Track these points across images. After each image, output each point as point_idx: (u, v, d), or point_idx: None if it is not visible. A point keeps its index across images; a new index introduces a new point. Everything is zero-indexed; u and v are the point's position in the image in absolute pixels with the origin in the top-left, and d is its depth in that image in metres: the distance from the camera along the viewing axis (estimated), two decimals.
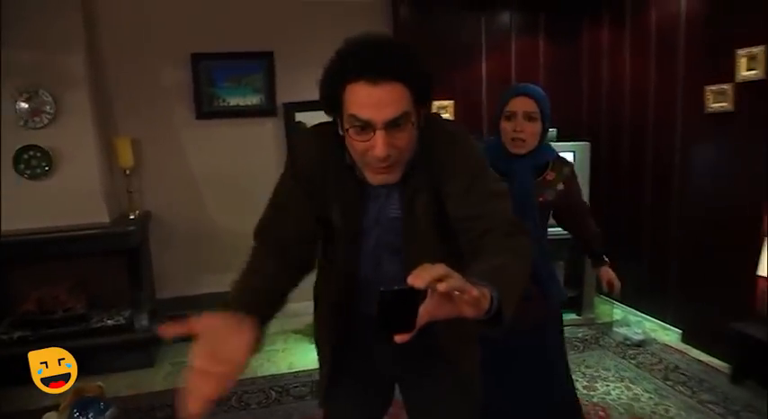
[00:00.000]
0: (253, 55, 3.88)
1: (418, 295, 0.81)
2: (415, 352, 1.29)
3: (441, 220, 1.22)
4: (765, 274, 2.77)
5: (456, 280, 0.80)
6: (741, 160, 3.05)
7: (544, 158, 1.95)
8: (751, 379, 2.91)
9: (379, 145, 1.05)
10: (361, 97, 1.04)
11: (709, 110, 3.17)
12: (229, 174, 4.00)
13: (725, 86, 3.07)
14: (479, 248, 1.13)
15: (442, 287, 0.78)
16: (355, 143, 1.09)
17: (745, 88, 2.96)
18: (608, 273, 2.15)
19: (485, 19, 4.18)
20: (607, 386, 3.00)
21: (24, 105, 3.28)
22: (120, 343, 3.41)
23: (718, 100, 3.12)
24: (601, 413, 2.75)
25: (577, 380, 3.05)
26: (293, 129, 4.04)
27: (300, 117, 4.04)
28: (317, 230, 1.27)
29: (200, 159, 3.94)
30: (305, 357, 3.52)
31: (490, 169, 1.25)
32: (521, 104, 1.83)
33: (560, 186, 1.95)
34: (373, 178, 1.15)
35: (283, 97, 3.99)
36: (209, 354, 0.84)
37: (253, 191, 3.94)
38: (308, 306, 3.84)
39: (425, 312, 0.83)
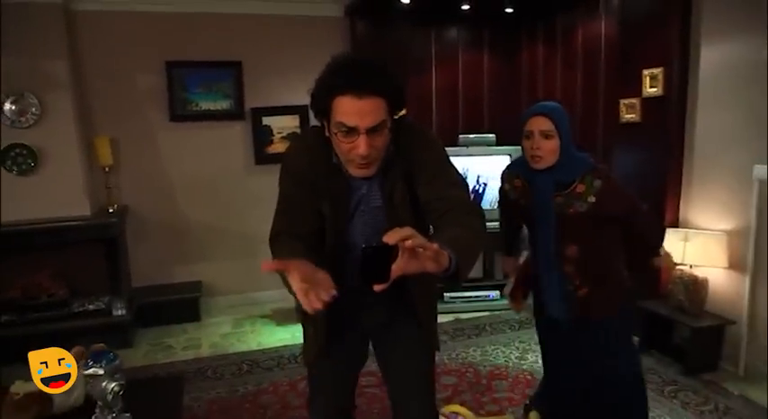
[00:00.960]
0: (223, 64, 4.24)
1: (391, 251, 1.03)
2: (395, 313, 1.63)
3: (414, 205, 1.49)
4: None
5: (419, 238, 1.04)
6: (647, 162, 3.58)
7: (570, 173, 1.98)
8: (655, 349, 3.44)
9: (362, 146, 1.30)
10: (348, 107, 1.28)
11: (623, 120, 3.70)
12: (200, 173, 4.34)
13: (634, 100, 3.60)
14: (441, 224, 1.39)
15: (408, 243, 1.02)
16: (341, 144, 1.34)
17: (649, 102, 3.50)
18: (662, 261, 2.37)
19: (434, 34, 4.64)
20: (536, 356, 3.48)
21: (11, 107, 3.56)
22: (99, 325, 3.71)
23: (629, 112, 3.65)
24: (528, 376, 3.22)
25: (512, 352, 3.54)
26: (260, 132, 4.42)
27: (267, 121, 4.43)
28: (319, 221, 1.48)
29: (173, 158, 4.27)
30: (271, 337, 3.90)
31: (452, 162, 1.53)
32: (536, 124, 1.92)
33: (591, 199, 1.95)
34: (355, 172, 1.41)
35: (251, 102, 4.36)
36: (305, 279, 1.13)
37: (222, 189, 4.37)
38: (271, 294, 4.30)
39: (397, 267, 1.05)
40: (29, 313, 3.61)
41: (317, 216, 1.47)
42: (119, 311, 3.79)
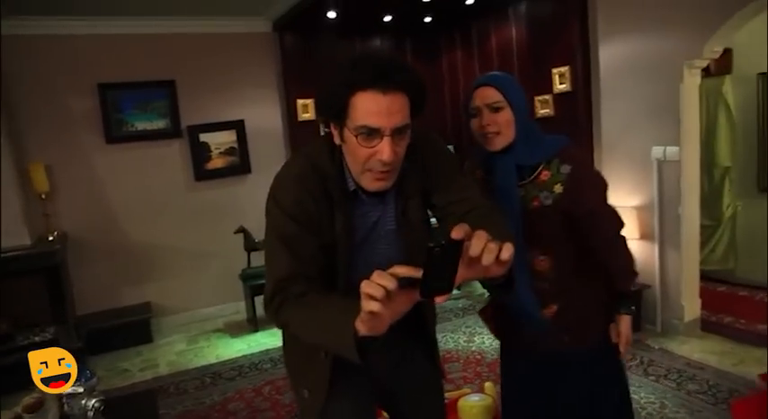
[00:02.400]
0: (156, 83, 4.28)
1: (460, 249, 0.85)
2: (406, 349, 1.44)
3: (428, 224, 1.37)
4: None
5: (486, 235, 0.90)
6: None
7: (534, 154, 1.59)
8: None
9: (386, 150, 1.12)
10: (371, 105, 1.10)
11: (539, 115, 4.08)
12: (140, 193, 4.34)
13: (547, 97, 3.99)
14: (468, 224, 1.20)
15: (485, 241, 0.88)
16: (360, 150, 1.14)
17: (560, 98, 3.90)
18: (625, 327, 1.67)
19: (360, 44, 4.87)
20: (482, 338, 3.76)
21: None
22: None
23: (543, 107, 4.04)
24: (477, 356, 3.49)
25: (459, 337, 3.81)
26: (198, 149, 4.47)
27: (204, 137, 4.49)
28: (322, 256, 1.25)
29: (112, 180, 4.24)
30: (228, 349, 3.96)
31: (459, 163, 1.43)
32: (481, 96, 1.58)
33: (558, 188, 1.57)
34: (371, 184, 1.20)
35: (187, 120, 4.42)
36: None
37: (163, 207, 4.41)
38: (222, 308, 4.37)
39: (459, 275, 0.88)
40: None
41: (320, 254, 1.24)
42: (68, 340, 3.72)
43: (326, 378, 1.33)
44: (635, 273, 1.72)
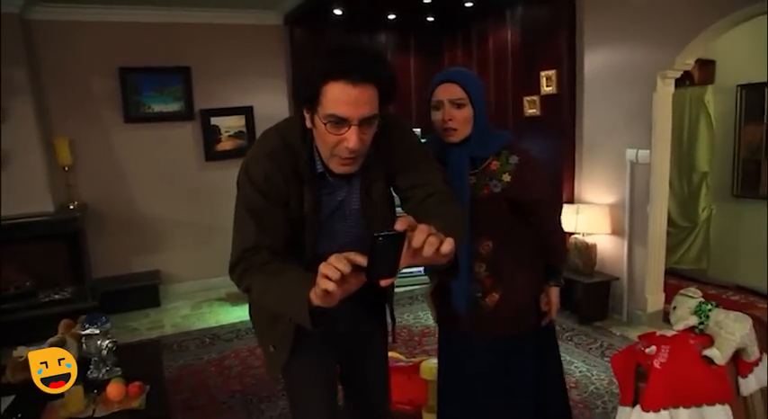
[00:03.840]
0: (173, 69, 4.60)
1: (403, 240, 0.94)
2: (364, 314, 1.60)
3: (391, 204, 1.46)
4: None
5: (430, 228, 0.99)
6: (547, 149, 4.23)
7: (486, 147, 1.74)
8: None
9: (353, 138, 1.18)
10: (341, 95, 1.15)
11: (527, 114, 4.35)
12: (154, 170, 4.68)
13: (534, 98, 4.26)
14: (422, 209, 1.32)
15: (426, 234, 0.97)
16: (329, 136, 1.20)
17: (546, 99, 4.17)
18: (554, 297, 1.85)
19: (366, 40, 5.16)
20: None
21: None
22: (66, 313, 3.98)
23: (531, 107, 4.31)
24: (404, 331, 3.80)
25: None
26: (209, 131, 4.80)
27: (215, 121, 4.82)
28: (290, 233, 1.33)
29: (128, 157, 4.59)
30: (228, 315, 4.32)
31: (429, 150, 1.52)
32: (445, 92, 1.67)
33: (507, 177, 1.72)
34: (338, 168, 1.27)
35: (200, 104, 4.74)
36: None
37: (175, 184, 4.75)
38: (225, 279, 4.68)
39: (404, 260, 0.97)
40: None
41: (287, 227, 1.32)
42: (84, 299, 4.10)
43: (290, 335, 1.43)
44: (566, 251, 1.97)
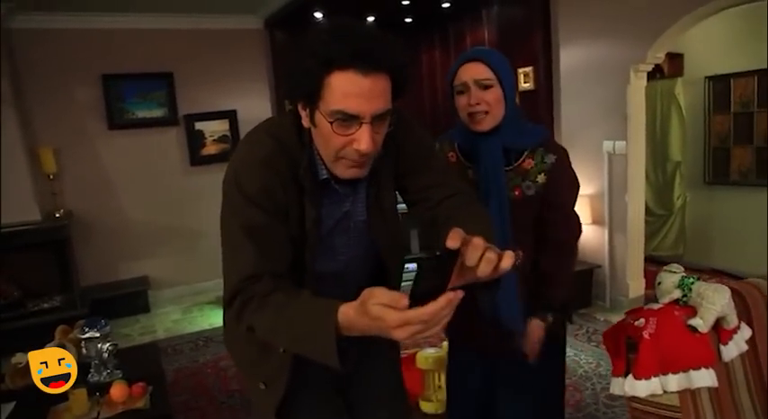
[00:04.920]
0: (156, 75, 4.62)
1: (456, 258, 0.82)
2: (371, 349, 1.30)
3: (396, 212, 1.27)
4: None
5: (484, 243, 0.84)
6: None
7: (522, 139, 1.51)
8: None
9: (364, 139, 0.99)
10: (350, 87, 0.96)
11: None
12: (140, 176, 4.69)
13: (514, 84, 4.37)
14: (442, 214, 1.14)
15: (485, 251, 0.82)
16: (334, 137, 1.01)
17: (525, 95, 4.29)
18: (537, 333, 1.56)
19: None
20: None
21: None
22: (56, 322, 3.95)
23: None
24: None
25: None
26: (193, 136, 4.82)
27: (199, 125, 4.85)
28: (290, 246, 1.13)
29: (113, 164, 4.59)
30: (219, 318, 4.21)
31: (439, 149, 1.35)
32: (470, 72, 1.45)
33: (541, 178, 1.50)
34: (344, 172, 1.08)
35: (184, 109, 4.76)
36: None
37: (161, 189, 4.77)
38: (216, 283, 4.70)
39: (453, 280, 0.82)
40: None
41: (289, 246, 1.12)
42: (73, 307, 4.09)
43: (287, 367, 1.21)
44: (571, 281, 1.63)
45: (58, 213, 4.21)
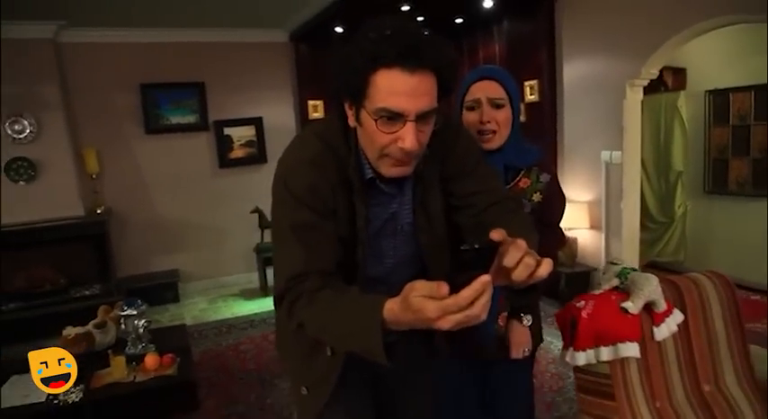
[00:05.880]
0: (189, 84, 5.03)
1: (494, 253, 0.82)
2: (414, 351, 1.36)
3: (448, 215, 1.25)
4: None
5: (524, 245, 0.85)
6: None
7: (522, 158, 1.57)
8: (544, 294, 4.47)
9: (409, 137, 0.99)
10: (396, 85, 0.97)
11: None
12: (172, 176, 5.09)
13: (520, 105, 4.65)
14: (486, 220, 1.12)
15: (522, 250, 0.83)
16: (379, 135, 1.02)
17: (530, 107, 4.56)
18: (523, 336, 1.64)
19: None
20: None
21: (12, 126, 4.23)
22: (95, 307, 4.39)
23: None
24: None
25: None
26: (222, 140, 5.21)
27: (227, 131, 5.24)
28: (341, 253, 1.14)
29: (149, 165, 5.00)
30: (242, 308, 4.72)
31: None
32: (484, 90, 1.49)
33: (537, 197, 1.56)
34: (389, 171, 1.08)
35: (214, 116, 5.16)
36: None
37: (191, 189, 5.18)
38: (237, 278, 5.06)
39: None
40: (35, 300, 4.28)
41: (338, 245, 1.13)
42: (110, 295, 4.50)
43: (332, 375, 1.24)
44: (542, 291, 1.71)
45: (99, 210, 4.63)
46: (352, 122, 1.10)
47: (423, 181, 1.19)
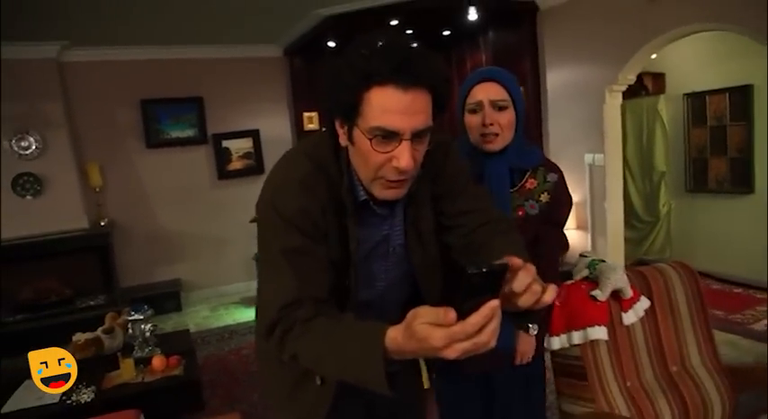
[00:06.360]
0: (187, 99, 5.20)
1: (503, 278, 0.78)
2: (406, 383, 1.32)
3: (438, 235, 1.21)
4: None
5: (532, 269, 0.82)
6: None
7: (526, 159, 1.54)
8: None
9: (404, 156, 0.96)
10: (390, 103, 0.94)
11: None
12: (173, 189, 5.25)
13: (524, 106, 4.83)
14: (477, 241, 1.12)
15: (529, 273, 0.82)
16: (373, 154, 0.98)
17: None
18: (528, 346, 1.64)
19: None
20: None
21: (19, 143, 4.40)
22: (99, 317, 4.52)
23: None
24: None
25: None
26: (221, 153, 5.37)
27: (225, 143, 5.41)
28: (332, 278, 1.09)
29: (150, 178, 5.17)
30: (243, 315, 4.86)
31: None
32: (486, 92, 1.46)
33: (545, 197, 1.54)
34: (382, 193, 1.05)
35: (212, 129, 5.33)
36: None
37: (192, 201, 5.34)
38: (238, 286, 5.21)
39: None
40: (41, 311, 4.42)
41: (331, 271, 1.08)
42: (115, 305, 4.64)
43: (320, 410, 1.17)
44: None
45: (103, 222, 4.79)
46: (343, 141, 1.06)
47: (415, 201, 1.15)
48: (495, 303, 0.76)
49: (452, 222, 1.20)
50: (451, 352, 0.76)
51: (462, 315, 0.76)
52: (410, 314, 0.81)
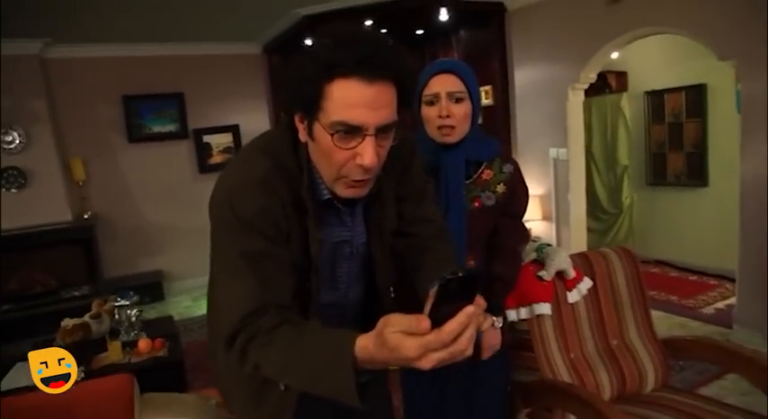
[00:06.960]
0: (169, 95, 5.33)
1: (477, 282, 0.74)
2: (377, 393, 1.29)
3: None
4: None
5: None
6: None
7: (483, 151, 1.55)
8: None
9: (368, 153, 0.92)
10: (353, 96, 0.89)
11: None
12: (155, 182, 5.38)
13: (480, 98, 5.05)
14: (425, 249, 1.14)
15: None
16: (336, 151, 0.93)
17: (486, 110, 4.96)
18: (495, 337, 1.62)
19: None
20: None
21: (3, 137, 4.50)
22: (85, 307, 4.66)
23: None
24: None
25: None
26: (201, 147, 5.51)
27: (206, 138, 5.55)
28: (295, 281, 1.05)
29: (132, 172, 5.29)
30: None
31: None
32: (443, 84, 1.45)
33: (500, 188, 1.55)
34: (344, 191, 1.00)
35: (193, 124, 5.47)
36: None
37: (173, 194, 5.49)
38: None
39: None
40: (27, 301, 4.53)
41: (294, 275, 1.04)
42: (99, 296, 4.76)
43: (288, 413, 1.12)
44: (511, 289, 1.73)
45: (86, 215, 4.91)
46: (303, 137, 1.01)
47: (379, 199, 1.11)
48: (470, 309, 0.74)
49: (410, 229, 1.18)
50: (426, 363, 0.74)
51: (436, 322, 0.73)
52: (381, 321, 0.78)
